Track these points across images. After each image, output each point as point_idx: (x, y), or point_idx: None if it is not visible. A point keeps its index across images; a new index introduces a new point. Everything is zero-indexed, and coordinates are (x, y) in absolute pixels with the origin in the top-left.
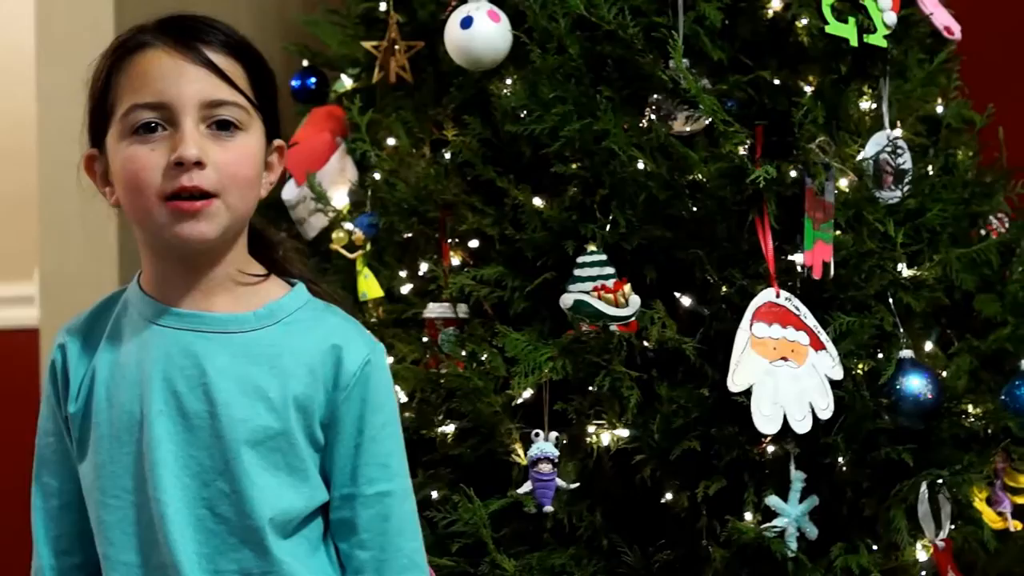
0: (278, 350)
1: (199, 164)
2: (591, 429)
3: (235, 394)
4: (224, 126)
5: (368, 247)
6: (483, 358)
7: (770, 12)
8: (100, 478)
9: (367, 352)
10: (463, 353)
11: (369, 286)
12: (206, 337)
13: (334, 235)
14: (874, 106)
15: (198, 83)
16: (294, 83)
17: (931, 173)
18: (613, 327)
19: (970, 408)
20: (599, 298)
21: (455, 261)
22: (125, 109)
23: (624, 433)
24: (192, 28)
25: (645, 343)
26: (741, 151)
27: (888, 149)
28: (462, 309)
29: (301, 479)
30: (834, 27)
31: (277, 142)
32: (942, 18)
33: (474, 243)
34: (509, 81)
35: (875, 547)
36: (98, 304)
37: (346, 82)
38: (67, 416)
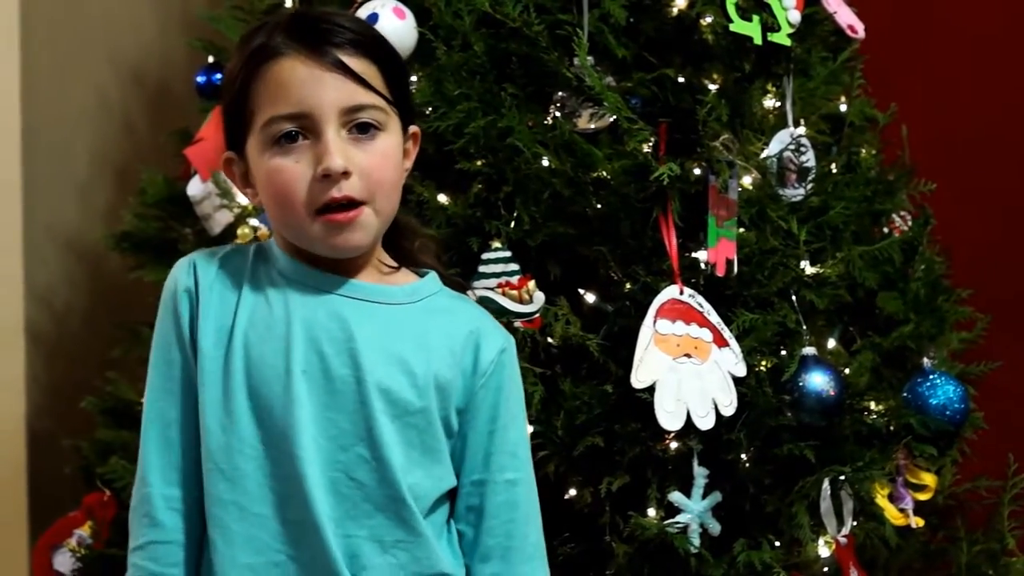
0: (424, 328)
1: (346, 174)
2: None
3: (381, 363)
4: (364, 129)
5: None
6: None
7: (674, 10)
8: (237, 426)
9: (503, 342)
10: None
11: None
12: (355, 304)
13: (239, 231)
14: (778, 104)
15: (336, 90)
16: (199, 79)
17: (834, 171)
18: (517, 323)
19: (872, 405)
20: (503, 294)
21: None
22: (265, 120)
23: (528, 429)
24: (322, 30)
25: (549, 339)
26: (645, 148)
27: (791, 147)
28: None
29: (434, 459)
30: (738, 25)
31: (412, 129)
32: (845, 16)
33: None
34: (414, 78)
35: (778, 543)
36: (228, 248)
37: None
38: (195, 345)
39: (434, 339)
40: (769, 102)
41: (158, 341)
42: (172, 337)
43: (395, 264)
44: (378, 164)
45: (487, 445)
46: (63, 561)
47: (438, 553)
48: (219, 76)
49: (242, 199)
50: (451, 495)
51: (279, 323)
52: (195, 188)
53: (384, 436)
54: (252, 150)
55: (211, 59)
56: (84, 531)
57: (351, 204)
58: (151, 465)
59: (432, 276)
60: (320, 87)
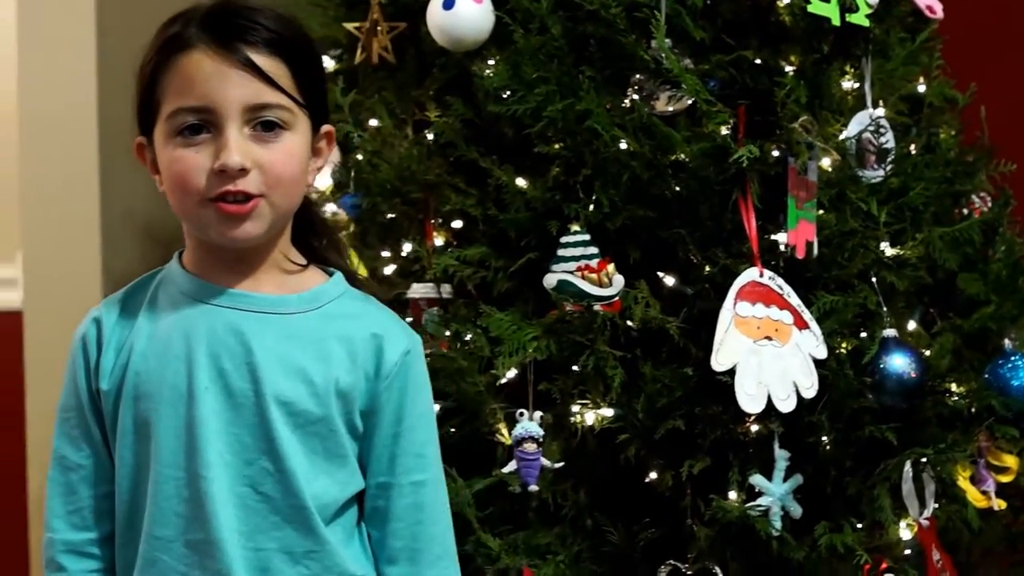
0: (322, 335)
1: (243, 171)
2: (575, 409)
3: (279, 375)
4: (269, 127)
5: (351, 228)
6: (467, 338)
7: None
8: (138, 452)
9: (407, 343)
10: (447, 333)
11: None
12: (252, 316)
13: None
14: (856, 85)
15: (241, 87)
16: None
17: (913, 152)
18: (597, 307)
19: (953, 387)
20: (583, 278)
21: (438, 241)
22: (171, 111)
23: (608, 412)
24: (235, 26)
25: (629, 323)
26: (724, 131)
27: (871, 128)
28: (446, 289)
29: (338, 465)
30: (816, 6)
31: (326, 128)
32: None
33: (457, 223)
34: (491, 62)
35: (859, 525)
36: (135, 282)
37: (328, 63)
38: (98, 390)
39: (333, 345)
40: (848, 83)
41: (63, 388)
42: (71, 386)
43: (303, 262)
44: (279, 161)
45: (392, 447)
46: None
47: (346, 558)
48: None
49: (320, 184)
50: (360, 497)
51: (178, 344)
52: None
53: (286, 447)
54: (158, 138)
55: None
56: None
57: (247, 198)
58: (52, 510)
59: (337, 278)
60: (225, 83)
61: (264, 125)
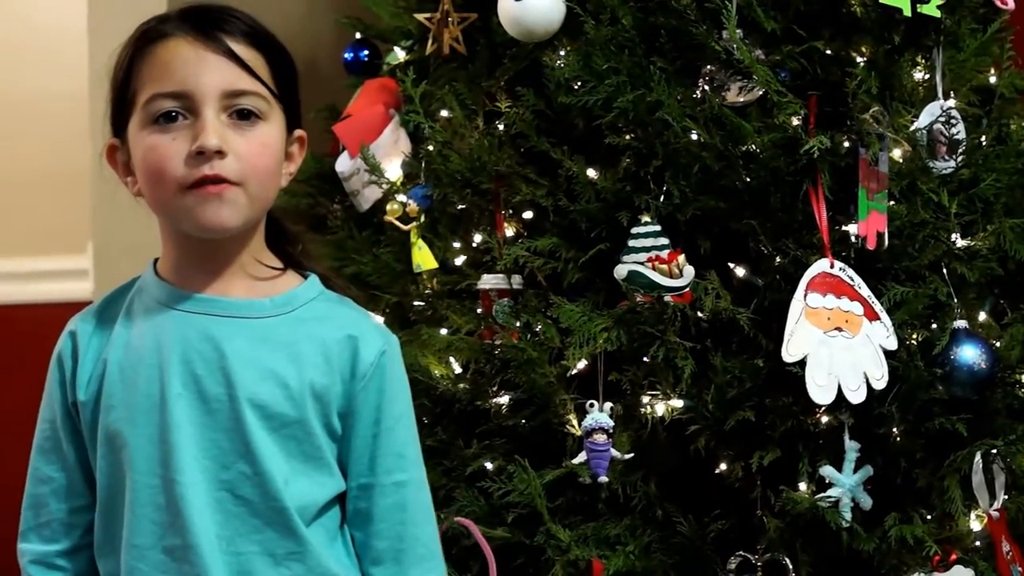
0: (295, 337)
1: (220, 153)
2: (645, 400)
3: (253, 378)
4: (245, 115)
5: (422, 219)
6: (537, 329)
7: None
8: (114, 461)
9: (382, 343)
10: (517, 324)
11: (423, 258)
12: (224, 321)
13: (388, 207)
14: (927, 76)
15: (219, 73)
16: (347, 55)
17: (984, 143)
18: (667, 297)
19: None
20: (653, 269)
21: (509, 232)
22: (147, 98)
23: (678, 403)
24: (213, 18)
25: (699, 313)
26: (795, 121)
27: (942, 119)
28: (516, 280)
29: (316, 467)
30: None
31: (298, 132)
32: None
33: (528, 214)
34: (562, 52)
35: (929, 517)
36: (110, 293)
37: (399, 54)
38: (75, 402)
39: (307, 348)
40: (919, 74)
41: (42, 402)
42: (47, 398)
43: (279, 266)
44: (255, 151)
45: (372, 448)
46: None
47: (329, 559)
48: (366, 52)
49: (391, 174)
50: (341, 499)
51: (151, 351)
52: (344, 164)
53: (262, 450)
54: (132, 131)
55: (358, 35)
56: None
57: (223, 182)
58: (24, 522)
59: (311, 280)
60: (203, 67)
61: (240, 114)
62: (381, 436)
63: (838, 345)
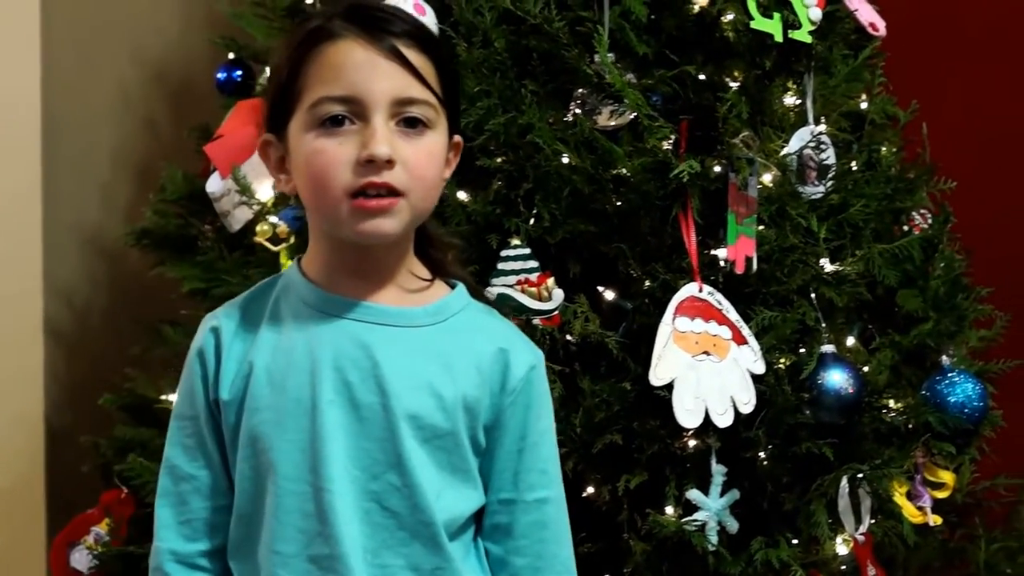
0: (449, 348)
1: (390, 162)
2: None
3: (407, 388)
4: (413, 123)
5: (292, 240)
6: None
7: (696, 7)
8: (256, 464)
9: (533, 358)
10: None
11: None
12: (377, 329)
13: (258, 228)
14: (798, 101)
15: (391, 79)
16: (220, 75)
17: (855, 168)
18: (536, 320)
19: (891, 403)
20: (522, 291)
21: None
22: (314, 100)
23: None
24: (381, 18)
25: (568, 337)
26: (665, 146)
27: (812, 144)
28: None
29: (463, 480)
30: (759, 23)
31: (456, 138)
32: (867, 14)
33: None
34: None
35: (796, 541)
36: (253, 289)
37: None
38: (217, 401)
39: (460, 359)
40: (790, 99)
41: (177, 397)
42: (187, 394)
43: (428, 276)
44: (422, 161)
45: (516, 463)
46: (80, 559)
47: (468, 574)
48: (239, 73)
49: (262, 195)
50: (477, 513)
51: (302, 356)
52: (214, 185)
53: (414, 461)
54: (294, 131)
55: (232, 56)
56: (101, 528)
57: (389, 192)
58: (161, 520)
59: (460, 291)
60: (374, 73)
61: (408, 121)
62: (526, 452)
63: (706, 369)
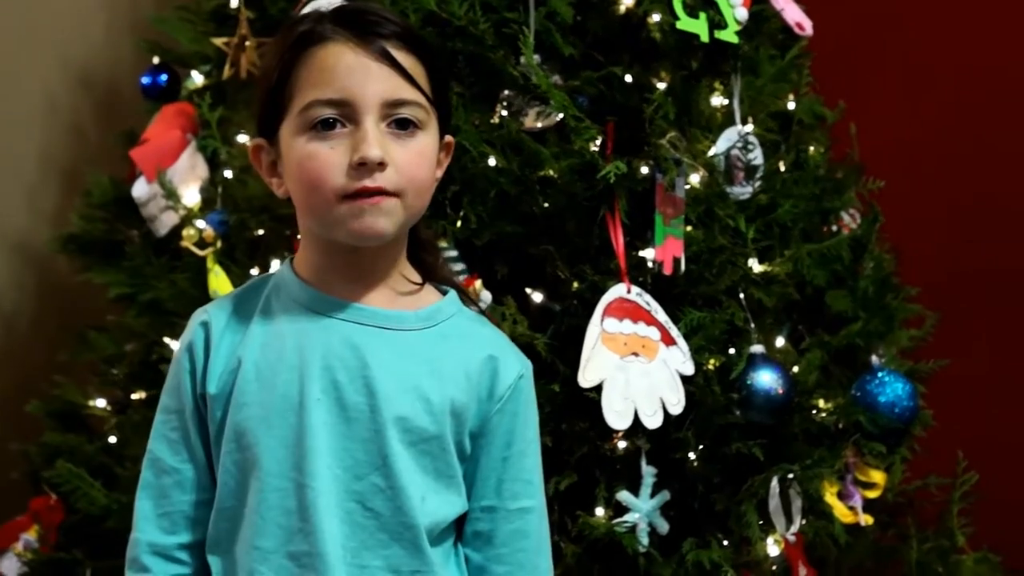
0: (438, 353)
1: (382, 164)
2: None
3: (396, 391)
4: (404, 125)
5: (219, 244)
6: None
7: (622, 8)
8: (240, 460)
9: (521, 367)
10: None
11: (220, 283)
12: (368, 331)
13: (185, 232)
14: (725, 102)
15: (381, 81)
16: (144, 80)
17: (782, 169)
18: None
19: (821, 403)
20: None
21: None
22: (304, 104)
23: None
24: (370, 21)
25: None
26: (592, 147)
27: (739, 145)
28: None
29: (447, 485)
30: (685, 23)
31: (447, 138)
32: (793, 14)
33: None
34: None
35: (726, 542)
36: (244, 287)
37: (197, 79)
38: (204, 395)
39: (448, 364)
40: (717, 100)
41: (164, 391)
42: (173, 388)
43: (419, 281)
44: (414, 162)
45: (500, 471)
46: (9, 565)
47: None
48: (165, 77)
49: (188, 200)
50: (458, 519)
51: (292, 353)
52: (141, 189)
53: (399, 464)
54: (285, 135)
55: (156, 60)
56: (31, 535)
57: (382, 195)
58: (141, 511)
59: (451, 297)
60: (365, 76)
61: (399, 123)
62: (511, 460)
63: (635, 370)
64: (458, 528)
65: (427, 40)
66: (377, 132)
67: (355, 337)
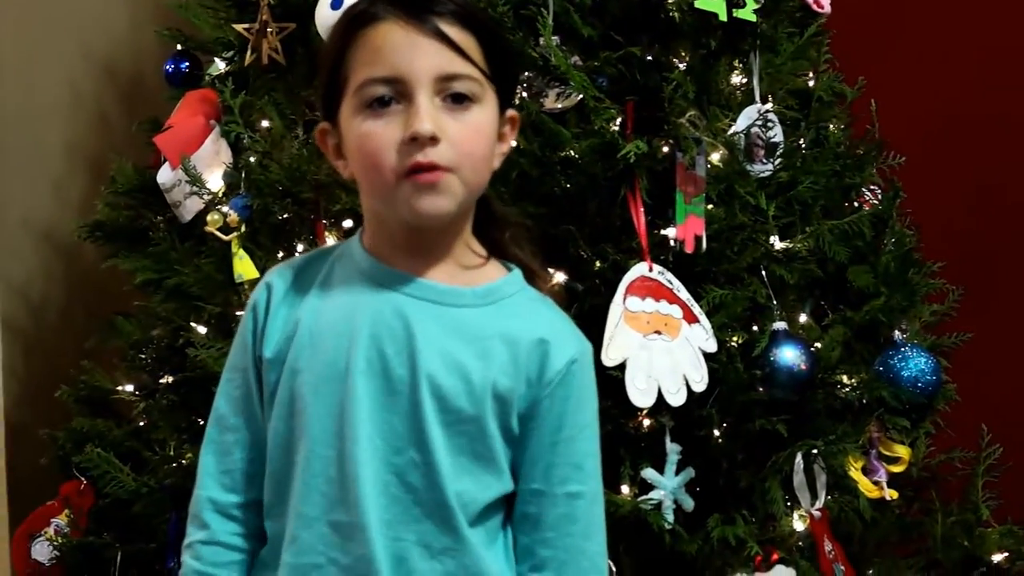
0: (488, 333)
1: (433, 139)
2: None
3: (439, 366)
4: (458, 99)
5: (243, 229)
6: None
7: None
8: (293, 426)
9: (575, 351)
10: None
11: (244, 267)
12: (420, 304)
13: (209, 218)
14: (745, 80)
15: (432, 56)
16: (167, 67)
17: (803, 146)
18: None
19: (844, 379)
20: None
21: (330, 241)
22: (359, 83)
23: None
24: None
25: None
26: (612, 127)
27: (759, 123)
28: None
29: (485, 467)
30: (703, 2)
31: (511, 112)
32: None
33: (348, 223)
34: None
35: (752, 518)
36: (313, 252)
37: (219, 65)
38: (261, 357)
39: (497, 346)
40: (736, 78)
41: (232, 349)
42: (240, 346)
43: (484, 254)
44: (469, 136)
45: (549, 455)
46: (41, 550)
47: (485, 561)
48: (187, 64)
49: (212, 185)
50: (508, 500)
51: (344, 321)
52: (165, 176)
53: (434, 441)
54: (345, 116)
55: (179, 47)
56: (61, 520)
57: (435, 168)
58: (204, 467)
59: (515, 275)
60: (415, 52)
61: (454, 97)
62: (560, 445)
63: (657, 348)
64: (509, 510)
65: (487, 16)
66: (430, 107)
67: (406, 309)
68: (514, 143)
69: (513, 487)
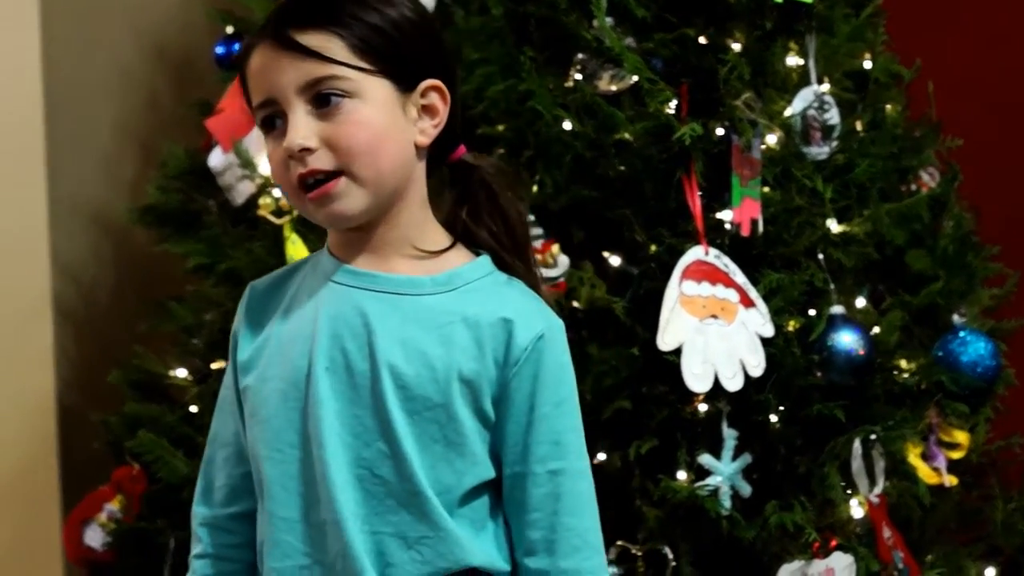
0: (449, 319)
1: (307, 150)
2: None
3: (400, 358)
4: (324, 101)
5: (295, 213)
6: None
7: None
8: (265, 432)
9: (541, 328)
10: None
11: (297, 251)
12: (378, 297)
13: (261, 201)
14: (800, 62)
15: (294, 70)
16: (218, 50)
17: (859, 128)
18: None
19: (903, 363)
20: None
21: None
22: (253, 111)
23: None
24: (285, 13)
25: (574, 303)
26: (667, 109)
27: (815, 105)
28: None
29: (457, 454)
30: None
31: (427, 82)
32: None
33: None
34: None
35: (809, 504)
36: (296, 262)
37: None
38: (235, 365)
39: (460, 330)
40: (792, 60)
41: (227, 364)
42: (230, 361)
43: (443, 243)
44: (347, 132)
45: (524, 436)
46: (94, 536)
47: (467, 547)
48: (238, 46)
49: (264, 169)
50: (497, 487)
51: (307, 324)
52: (216, 159)
53: (400, 431)
54: None
55: (229, 30)
56: (114, 505)
57: (326, 177)
58: (199, 485)
59: (481, 260)
60: (277, 71)
61: (321, 100)
62: (535, 424)
63: (714, 333)
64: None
65: (350, 6)
66: (303, 119)
67: (365, 304)
68: (443, 111)
69: (494, 473)
